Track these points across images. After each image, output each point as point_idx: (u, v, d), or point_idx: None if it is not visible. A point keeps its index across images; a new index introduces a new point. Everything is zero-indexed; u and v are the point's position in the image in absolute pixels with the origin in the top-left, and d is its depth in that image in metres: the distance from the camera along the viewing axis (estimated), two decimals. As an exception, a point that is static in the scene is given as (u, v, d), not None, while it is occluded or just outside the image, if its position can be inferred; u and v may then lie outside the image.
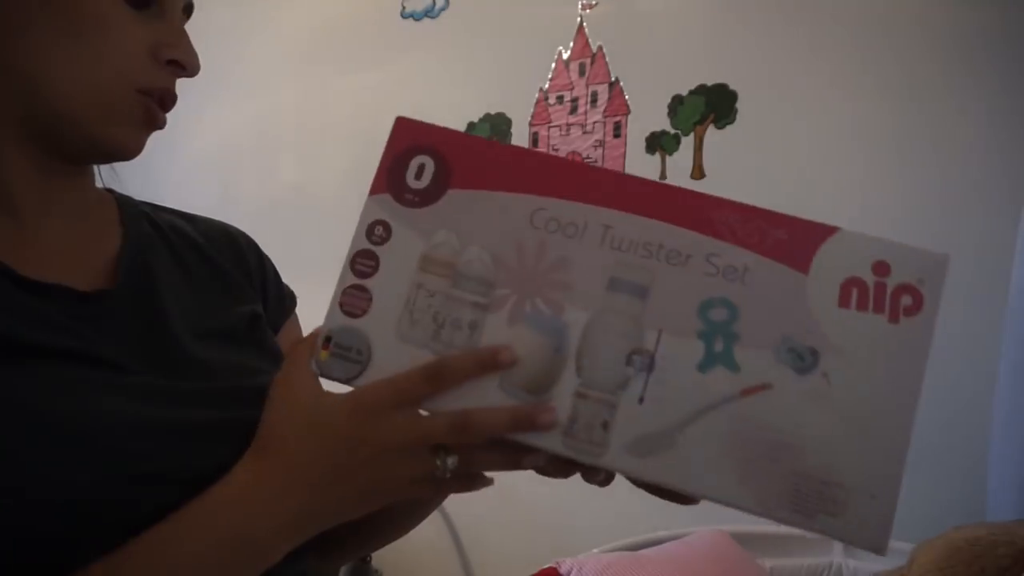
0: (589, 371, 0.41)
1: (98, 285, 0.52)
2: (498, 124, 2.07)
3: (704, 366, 0.40)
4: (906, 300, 0.41)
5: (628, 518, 1.76)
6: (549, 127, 1.98)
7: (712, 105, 1.72)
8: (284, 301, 0.68)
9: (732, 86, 1.69)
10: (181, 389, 0.49)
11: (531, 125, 2.01)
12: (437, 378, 0.41)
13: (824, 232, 0.42)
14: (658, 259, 0.42)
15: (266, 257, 0.68)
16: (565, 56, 1.95)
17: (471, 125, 2.11)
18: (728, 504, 0.41)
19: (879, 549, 0.41)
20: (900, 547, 1.27)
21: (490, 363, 0.41)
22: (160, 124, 0.54)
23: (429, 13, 2.15)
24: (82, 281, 0.51)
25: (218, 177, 2.78)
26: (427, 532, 1.88)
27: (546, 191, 0.43)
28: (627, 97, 1.85)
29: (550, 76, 1.98)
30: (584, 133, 1.92)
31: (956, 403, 1.41)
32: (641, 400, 0.41)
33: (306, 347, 0.44)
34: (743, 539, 1.40)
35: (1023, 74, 1.37)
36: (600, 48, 1.89)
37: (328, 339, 0.43)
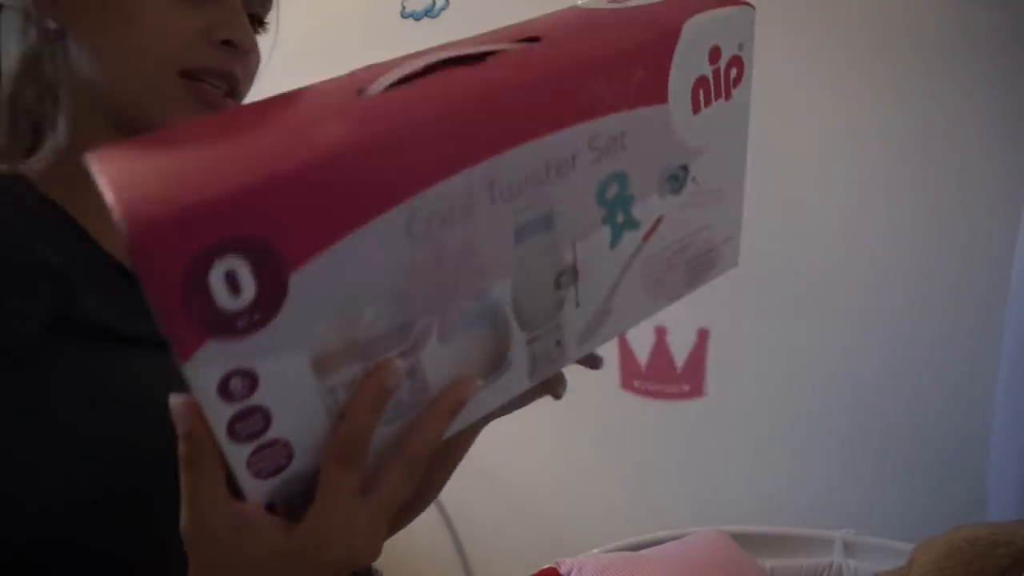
0: (529, 320, 0.39)
1: None
2: (498, 124, 2.07)
3: (614, 242, 0.41)
4: (733, 72, 0.42)
5: (628, 518, 1.76)
6: (549, 127, 1.98)
7: (712, 105, 1.71)
8: None
9: (732, 86, 1.68)
10: None
11: (531, 125, 2.01)
12: (355, 455, 0.34)
13: (668, 45, 0.38)
14: (549, 181, 0.36)
15: None
16: (565, 56, 1.95)
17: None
18: (652, 315, 0.45)
19: (736, 264, 0.48)
20: (900, 547, 1.27)
21: (455, 404, 0.37)
22: (218, 105, 0.53)
23: (429, 13, 2.15)
24: None
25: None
26: (427, 532, 1.88)
27: (405, 190, 0.31)
28: (627, 97, 1.85)
29: (550, 76, 1.98)
30: (584, 133, 1.92)
31: (956, 403, 1.41)
32: (577, 304, 0.41)
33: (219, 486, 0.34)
34: (743, 539, 1.40)
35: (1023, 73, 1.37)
36: (600, 48, 1.89)
37: (271, 506, 0.35)
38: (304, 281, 0.29)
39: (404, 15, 2.17)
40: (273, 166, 0.27)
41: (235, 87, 0.55)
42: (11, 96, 0.52)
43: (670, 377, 1.73)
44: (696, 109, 0.40)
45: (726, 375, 1.68)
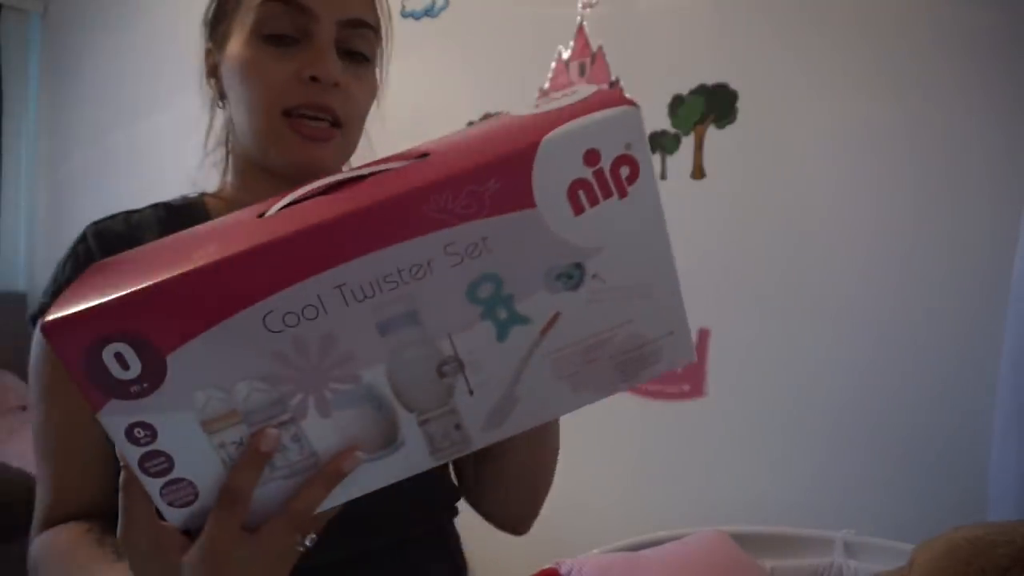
0: (415, 401, 0.43)
1: None
2: (498, 124, 2.07)
3: (501, 336, 0.43)
4: (625, 171, 0.41)
5: (628, 518, 1.76)
6: (549, 127, 1.98)
7: (712, 105, 1.71)
8: None
9: (732, 86, 1.68)
10: None
11: (531, 125, 2.01)
12: (235, 499, 0.41)
13: (526, 157, 0.40)
14: (403, 283, 0.40)
15: None
16: (565, 56, 1.95)
17: (471, 125, 2.11)
18: (579, 407, 0.46)
19: (691, 358, 0.47)
20: (900, 547, 1.27)
21: (335, 475, 0.42)
22: (320, 137, 0.62)
23: (429, 13, 2.15)
24: None
25: (217, 176, 2.78)
26: (427, 532, 1.88)
27: (256, 294, 0.38)
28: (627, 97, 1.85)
29: (550, 76, 1.98)
30: (584, 133, 1.92)
31: (956, 403, 1.41)
32: (471, 392, 0.43)
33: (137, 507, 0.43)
34: (743, 539, 1.40)
35: (1021, 72, 1.37)
36: (600, 48, 1.89)
37: (188, 532, 0.43)
38: (180, 361, 0.39)
39: (404, 15, 2.18)
40: (147, 280, 0.38)
41: (337, 118, 0.63)
42: (218, 144, 0.73)
43: (670, 377, 1.73)
44: (578, 210, 0.41)
45: (726, 375, 1.68)
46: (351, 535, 0.62)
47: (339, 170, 0.66)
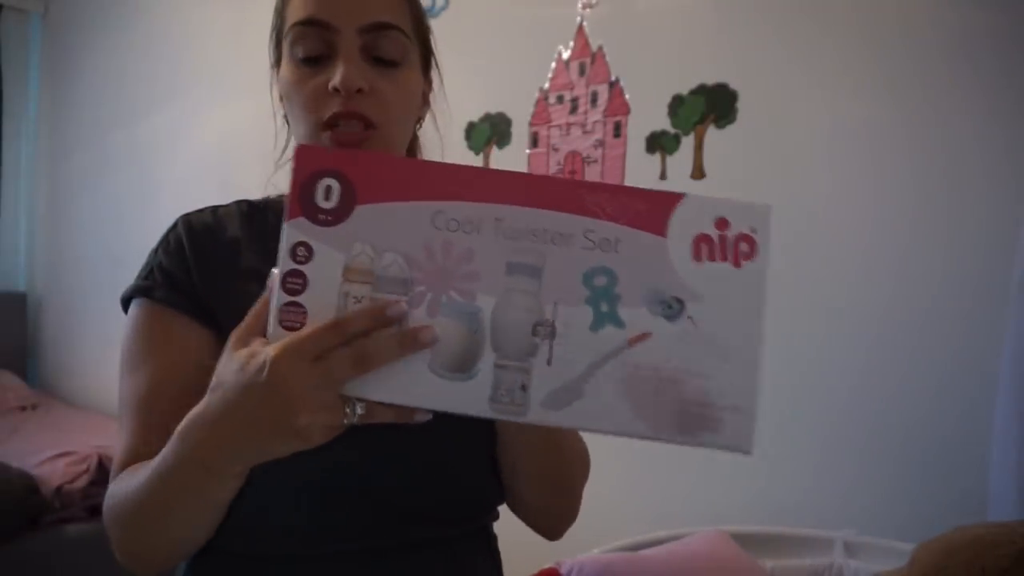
0: (503, 345, 0.48)
1: None
2: (498, 124, 2.07)
3: (595, 326, 0.49)
4: (744, 247, 0.49)
5: (628, 518, 1.75)
6: (549, 127, 1.98)
7: (712, 105, 1.71)
8: None
9: (732, 86, 1.68)
10: None
11: (531, 125, 2.01)
12: (340, 328, 0.47)
13: (673, 199, 0.50)
14: (545, 242, 0.49)
15: None
16: (565, 56, 1.95)
17: (471, 125, 2.11)
18: (628, 435, 0.49)
19: (746, 450, 0.50)
20: (900, 547, 1.27)
21: (412, 341, 0.48)
22: (354, 142, 0.66)
23: (429, 13, 2.15)
24: None
25: (217, 175, 2.78)
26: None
27: (443, 196, 0.49)
28: (627, 97, 1.85)
29: (550, 76, 1.98)
30: (584, 133, 1.92)
31: (956, 403, 1.41)
32: (549, 362, 0.48)
33: (263, 310, 0.52)
34: (743, 539, 1.40)
35: (1021, 73, 1.37)
36: (600, 48, 1.89)
37: None
38: (362, 213, 0.50)
39: (404, 15, 2.18)
40: (372, 159, 0.52)
41: (369, 121, 0.66)
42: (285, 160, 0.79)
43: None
44: (697, 258, 0.49)
45: (726, 375, 1.68)
46: (403, 524, 0.66)
47: None
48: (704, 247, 0.49)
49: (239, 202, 0.76)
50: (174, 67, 3.01)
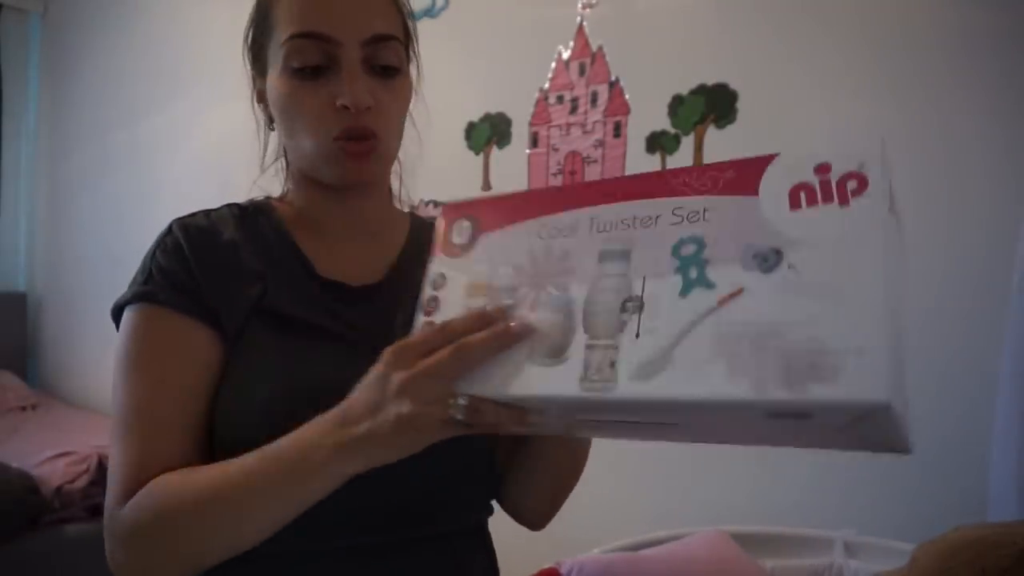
0: (593, 326, 0.49)
1: (369, 281, 0.73)
2: (498, 124, 2.07)
3: (684, 291, 0.47)
4: (852, 184, 0.44)
5: (628, 518, 1.75)
6: (549, 127, 1.98)
7: (712, 105, 1.71)
8: None
9: (732, 86, 1.68)
10: (365, 366, 0.62)
11: (531, 125, 2.01)
12: (444, 330, 0.52)
13: (765, 160, 0.47)
14: (634, 227, 0.50)
15: None
16: (565, 56, 1.95)
17: (471, 125, 2.11)
18: (726, 402, 0.43)
19: (883, 402, 0.38)
20: (900, 547, 1.27)
21: (503, 332, 0.51)
22: (361, 156, 0.69)
23: (429, 13, 2.15)
24: (359, 279, 0.73)
25: (217, 176, 2.78)
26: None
27: (548, 211, 0.54)
28: (627, 97, 1.85)
29: (550, 76, 1.98)
30: (584, 133, 1.92)
31: (957, 403, 1.41)
32: (637, 335, 0.47)
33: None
34: (743, 539, 1.40)
35: (1021, 73, 1.37)
36: (600, 48, 1.89)
37: None
38: (485, 241, 0.57)
39: (404, 15, 2.18)
40: (497, 198, 0.59)
41: (374, 134, 0.68)
42: (277, 155, 0.80)
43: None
44: (795, 206, 0.45)
45: (726, 375, 1.68)
46: (403, 520, 0.66)
47: (385, 177, 0.79)
48: (803, 194, 0.45)
49: (229, 206, 0.76)
50: (174, 67, 3.01)
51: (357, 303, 0.71)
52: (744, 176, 0.48)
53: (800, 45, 1.61)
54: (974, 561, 0.90)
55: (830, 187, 0.44)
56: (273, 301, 0.68)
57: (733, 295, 0.45)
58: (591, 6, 1.91)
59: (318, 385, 0.61)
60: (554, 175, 1.97)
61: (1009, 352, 1.22)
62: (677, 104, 1.77)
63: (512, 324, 0.51)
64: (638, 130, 1.83)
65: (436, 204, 2.18)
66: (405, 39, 0.73)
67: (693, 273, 0.47)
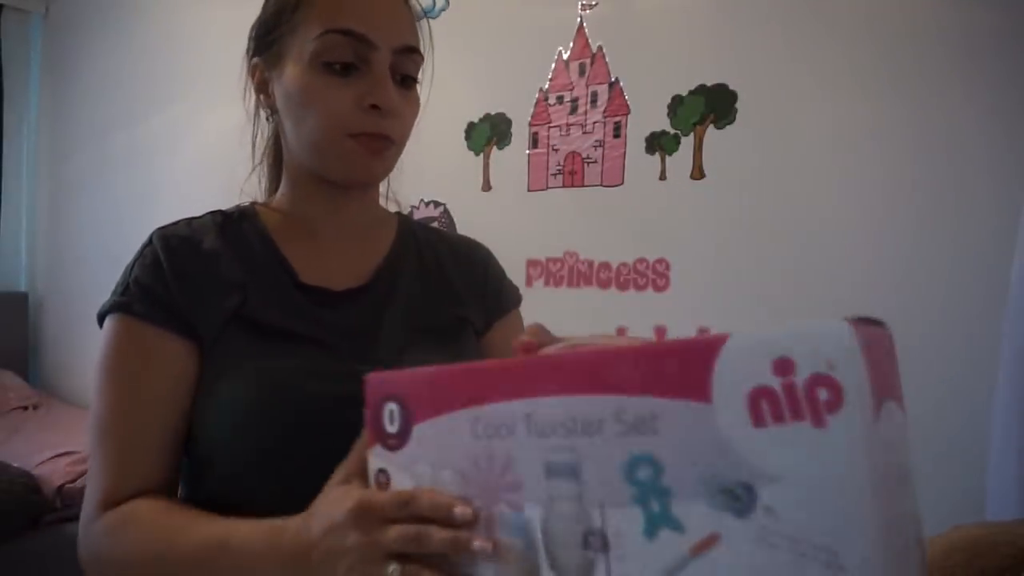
0: (558, 561, 0.43)
1: (354, 284, 0.74)
2: (498, 124, 2.07)
3: (649, 532, 0.39)
4: (823, 394, 0.35)
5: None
6: (549, 127, 1.98)
7: (712, 105, 1.72)
8: (502, 300, 0.84)
9: (732, 86, 1.68)
10: (343, 370, 0.64)
11: (531, 125, 2.01)
12: (411, 504, 0.47)
13: (711, 348, 0.37)
14: (577, 434, 0.41)
15: (493, 265, 0.86)
16: (565, 56, 1.95)
17: (471, 125, 2.11)
18: None
19: None
20: (900, 547, 1.27)
21: (465, 544, 0.45)
22: (375, 154, 0.69)
23: (429, 13, 2.15)
24: (344, 282, 0.73)
25: (217, 176, 2.78)
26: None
27: (478, 399, 0.45)
28: (627, 97, 1.85)
29: (550, 76, 1.98)
30: (584, 133, 1.92)
31: (956, 403, 1.41)
32: None
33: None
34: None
35: (1023, 73, 1.37)
36: (600, 48, 1.89)
37: None
38: (419, 433, 0.48)
39: (404, 15, 2.18)
40: (420, 376, 0.49)
41: (391, 140, 0.70)
42: (264, 156, 0.81)
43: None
44: (758, 422, 0.36)
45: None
46: None
47: (378, 191, 0.79)
48: (765, 405, 0.36)
49: (213, 213, 0.76)
50: (174, 67, 3.01)
51: (340, 306, 0.72)
52: (690, 371, 0.38)
53: (800, 45, 1.61)
54: (973, 561, 0.90)
55: (797, 398, 0.35)
56: (251, 310, 0.68)
57: (707, 544, 0.37)
58: (591, 6, 1.91)
59: (290, 385, 0.64)
60: (554, 175, 1.97)
61: (1009, 352, 1.22)
62: (677, 104, 1.77)
63: (478, 542, 0.45)
64: (638, 130, 1.83)
65: (436, 204, 2.19)
66: (422, 59, 0.75)
67: (655, 506, 0.39)
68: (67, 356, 3.43)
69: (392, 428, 0.49)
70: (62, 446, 2.30)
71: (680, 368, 0.38)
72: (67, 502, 2.14)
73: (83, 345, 3.31)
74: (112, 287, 0.70)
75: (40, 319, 3.58)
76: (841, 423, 0.34)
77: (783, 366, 0.35)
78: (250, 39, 0.75)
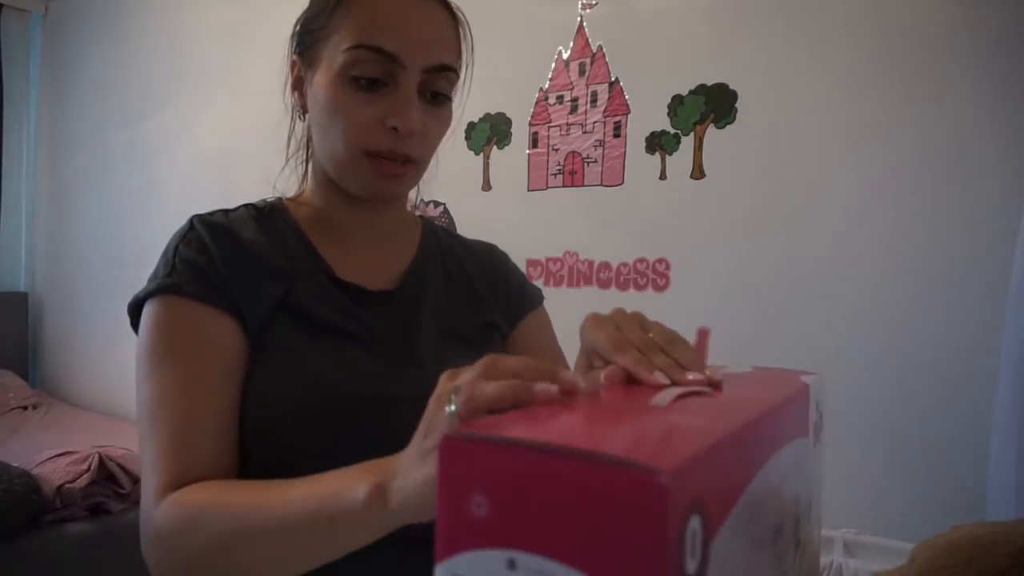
0: None
1: (385, 287, 0.74)
2: (498, 124, 2.07)
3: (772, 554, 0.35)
4: (822, 424, 0.42)
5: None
6: (549, 127, 1.98)
7: (712, 105, 1.71)
8: (524, 300, 0.84)
9: (732, 86, 1.68)
10: (388, 372, 0.67)
11: (531, 125, 2.01)
12: (492, 369, 0.42)
13: (805, 394, 0.41)
14: (779, 492, 0.36)
15: (512, 268, 0.86)
16: (565, 56, 1.95)
17: (471, 125, 2.11)
18: None
19: None
20: (900, 547, 1.27)
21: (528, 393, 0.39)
22: (393, 175, 0.69)
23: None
24: (376, 284, 0.74)
25: (217, 176, 2.78)
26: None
27: (744, 482, 0.31)
28: (627, 97, 1.85)
29: (550, 76, 1.98)
30: (584, 133, 1.92)
31: (957, 403, 1.41)
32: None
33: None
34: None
35: (1023, 74, 1.37)
36: (600, 48, 1.89)
37: None
38: (717, 549, 0.26)
39: (404, 15, 2.17)
40: (700, 441, 0.26)
41: (409, 159, 0.69)
42: (296, 154, 0.81)
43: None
44: (816, 441, 0.44)
45: (726, 375, 1.68)
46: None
47: (406, 196, 0.79)
48: (812, 430, 0.43)
49: (246, 206, 0.76)
50: (174, 67, 3.01)
51: (375, 307, 0.72)
52: (800, 414, 0.42)
53: (800, 45, 1.61)
54: (973, 560, 0.90)
55: (819, 423, 0.44)
56: (298, 300, 0.68)
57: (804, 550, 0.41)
58: (591, 6, 1.91)
59: (343, 387, 0.64)
60: (554, 175, 1.97)
61: (1009, 352, 1.22)
62: (677, 104, 1.77)
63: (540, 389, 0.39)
64: (638, 130, 1.83)
65: (436, 204, 2.19)
66: (457, 76, 0.74)
67: (789, 536, 0.39)
68: (67, 356, 3.43)
69: (691, 565, 0.24)
70: (62, 446, 2.30)
71: (796, 413, 0.41)
72: (67, 502, 2.14)
73: (83, 345, 3.31)
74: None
75: (40, 319, 3.58)
76: (822, 445, 0.43)
77: (817, 405, 0.43)
78: (294, 33, 0.75)
